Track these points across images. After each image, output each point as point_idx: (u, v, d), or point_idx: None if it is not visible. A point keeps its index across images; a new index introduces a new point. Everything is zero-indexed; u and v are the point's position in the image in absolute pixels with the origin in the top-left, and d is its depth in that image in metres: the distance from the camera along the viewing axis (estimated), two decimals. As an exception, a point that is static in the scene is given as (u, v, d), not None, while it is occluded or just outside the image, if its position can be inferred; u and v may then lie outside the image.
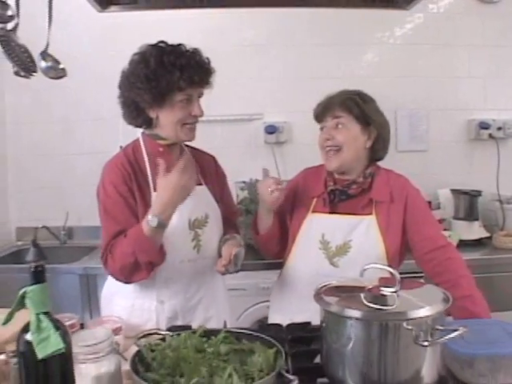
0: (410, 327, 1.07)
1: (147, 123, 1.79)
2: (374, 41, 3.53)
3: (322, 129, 1.89)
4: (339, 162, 1.83)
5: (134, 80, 1.70)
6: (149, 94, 1.68)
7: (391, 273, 1.18)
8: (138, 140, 1.86)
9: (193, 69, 1.69)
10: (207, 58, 1.78)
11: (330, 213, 1.87)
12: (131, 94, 1.72)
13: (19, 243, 3.44)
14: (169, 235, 1.69)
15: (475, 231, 3.20)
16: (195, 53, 1.75)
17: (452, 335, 1.07)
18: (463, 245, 3.08)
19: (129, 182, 1.75)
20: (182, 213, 1.75)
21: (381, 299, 1.17)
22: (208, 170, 1.95)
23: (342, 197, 1.86)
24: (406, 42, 3.52)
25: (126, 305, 1.82)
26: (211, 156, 2.02)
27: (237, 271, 1.78)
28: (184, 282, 1.82)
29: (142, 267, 1.66)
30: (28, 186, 3.54)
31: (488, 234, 3.21)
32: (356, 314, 1.12)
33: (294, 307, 1.84)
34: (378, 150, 1.88)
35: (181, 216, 1.75)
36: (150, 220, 1.58)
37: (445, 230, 3.13)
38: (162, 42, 1.76)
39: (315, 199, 1.91)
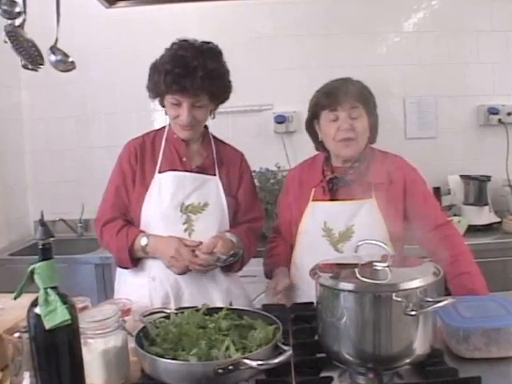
0: (399, 299, 1.11)
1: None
2: (382, 29, 3.53)
3: (333, 120, 1.81)
4: (356, 149, 1.83)
5: (148, 73, 1.83)
6: (149, 90, 1.83)
7: (383, 248, 1.22)
8: (165, 126, 1.97)
9: (175, 76, 1.71)
10: (213, 69, 1.75)
11: (330, 200, 1.88)
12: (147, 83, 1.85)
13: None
14: (158, 214, 1.84)
15: (485, 216, 3.21)
16: (194, 58, 1.73)
17: (439, 305, 1.10)
18: (473, 230, 3.09)
19: (133, 161, 1.89)
20: (177, 196, 1.84)
21: (374, 273, 1.20)
22: (228, 164, 1.97)
23: (340, 184, 1.87)
24: (414, 30, 3.52)
25: (126, 280, 1.91)
26: (240, 153, 2.03)
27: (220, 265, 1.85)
28: None
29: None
30: (45, 181, 3.64)
31: (498, 219, 3.21)
32: (348, 286, 1.16)
33: (302, 293, 1.86)
34: (372, 137, 1.89)
35: (174, 198, 1.84)
36: (142, 240, 1.80)
37: (455, 215, 3.15)
38: (184, 40, 1.81)
39: (314, 189, 1.91)
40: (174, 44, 1.81)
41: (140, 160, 1.89)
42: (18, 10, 1.50)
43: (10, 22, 1.51)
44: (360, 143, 1.83)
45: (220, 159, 1.96)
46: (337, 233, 1.84)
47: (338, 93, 1.79)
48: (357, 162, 1.86)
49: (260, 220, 2.04)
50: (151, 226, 1.84)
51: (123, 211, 1.89)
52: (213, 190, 1.90)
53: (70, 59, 1.79)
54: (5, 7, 1.47)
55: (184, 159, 1.90)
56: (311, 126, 1.94)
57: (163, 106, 1.90)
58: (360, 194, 1.84)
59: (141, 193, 1.86)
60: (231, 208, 1.93)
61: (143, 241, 1.80)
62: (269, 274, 1.99)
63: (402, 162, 1.91)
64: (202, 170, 1.91)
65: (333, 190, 1.88)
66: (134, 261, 1.85)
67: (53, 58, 1.75)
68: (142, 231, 1.84)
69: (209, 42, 1.83)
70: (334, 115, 1.81)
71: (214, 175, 1.92)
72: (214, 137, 2.01)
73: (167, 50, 1.81)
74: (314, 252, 1.83)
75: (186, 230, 1.84)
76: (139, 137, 1.96)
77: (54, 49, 1.75)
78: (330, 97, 1.82)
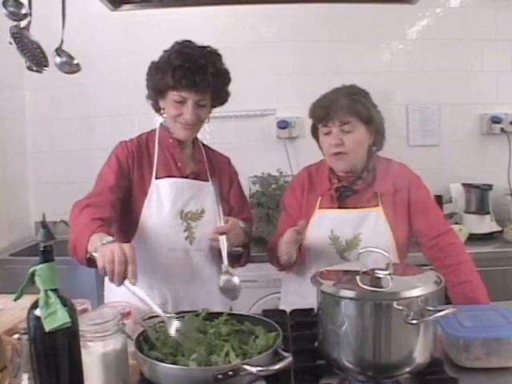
0: (400, 307, 1.11)
1: (159, 112, 1.89)
2: (386, 36, 3.54)
3: (326, 133, 1.82)
4: (347, 165, 1.82)
5: (147, 71, 1.83)
6: (149, 88, 1.83)
7: (385, 255, 1.21)
8: (155, 129, 1.95)
9: (186, 71, 1.71)
10: (220, 69, 1.79)
11: (337, 208, 1.87)
12: (146, 82, 1.85)
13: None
14: (159, 222, 1.80)
15: (486, 225, 3.21)
16: (202, 56, 1.75)
17: (440, 314, 1.10)
18: (474, 238, 3.09)
19: (129, 160, 1.83)
20: (176, 203, 1.83)
21: (375, 281, 1.20)
22: (218, 169, 2.00)
23: (347, 193, 1.87)
24: (417, 37, 3.53)
25: (120, 289, 1.85)
26: (226, 157, 2.07)
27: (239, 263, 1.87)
28: (176, 271, 1.84)
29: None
30: (47, 182, 3.64)
31: (499, 228, 3.21)
32: (349, 293, 1.15)
33: (306, 301, 1.79)
34: (377, 143, 1.88)
35: (173, 205, 1.82)
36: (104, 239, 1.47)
37: (456, 223, 3.15)
38: (187, 41, 1.81)
39: (320, 197, 1.90)
40: (176, 43, 1.81)
41: (137, 163, 1.85)
42: (24, 11, 1.51)
43: (15, 23, 1.52)
44: (351, 157, 1.80)
45: (211, 165, 1.97)
46: (344, 241, 1.84)
47: (329, 108, 1.78)
48: (365, 171, 1.86)
49: (250, 221, 2.04)
50: (151, 233, 1.81)
51: (112, 209, 1.73)
52: (208, 196, 1.90)
53: (75, 61, 1.80)
54: (11, 9, 1.48)
55: (179, 165, 1.89)
56: (316, 133, 1.92)
57: (157, 110, 1.89)
58: (367, 203, 1.85)
59: (139, 198, 1.82)
60: (225, 213, 1.92)
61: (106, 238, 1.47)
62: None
63: (406, 170, 1.91)
64: (196, 176, 1.91)
65: (340, 199, 1.88)
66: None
67: (58, 59, 1.76)
68: (111, 234, 1.53)
69: (208, 46, 1.84)
70: (327, 129, 1.81)
71: (207, 181, 1.92)
72: (202, 143, 2.03)
73: (169, 49, 1.80)
74: (319, 260, 1.84)
75: (187, 238, 1.84)
76: (133, 139, 1.91)
77: (59, 51, 1.76)
78: (322, 112, 1.81)
